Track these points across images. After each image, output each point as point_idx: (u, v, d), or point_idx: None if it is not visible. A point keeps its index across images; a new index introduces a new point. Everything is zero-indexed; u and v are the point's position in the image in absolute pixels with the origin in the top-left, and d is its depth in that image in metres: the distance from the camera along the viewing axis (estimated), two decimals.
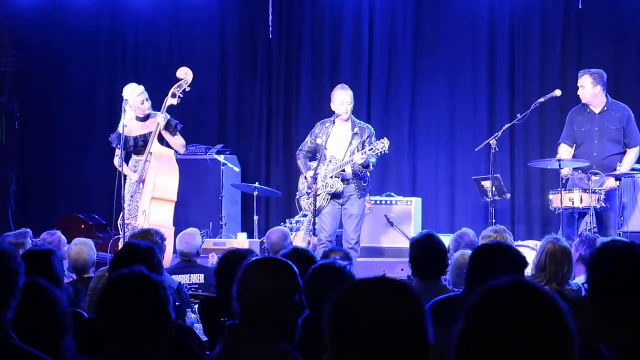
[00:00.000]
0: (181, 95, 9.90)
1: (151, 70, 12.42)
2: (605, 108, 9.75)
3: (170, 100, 9.87)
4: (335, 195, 9.66)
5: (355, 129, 9.69)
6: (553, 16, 11.84)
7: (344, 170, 9.63)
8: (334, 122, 9.69)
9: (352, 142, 9.64)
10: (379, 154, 9.55)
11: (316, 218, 9.59)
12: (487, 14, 12.03)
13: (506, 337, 2.17)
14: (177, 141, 9.92)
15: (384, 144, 9.47)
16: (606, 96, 9.79)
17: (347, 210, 9.72)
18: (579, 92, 9.76)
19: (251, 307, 3.58)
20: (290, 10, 12.69)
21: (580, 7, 11.55)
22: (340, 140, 9.70)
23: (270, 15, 12.55)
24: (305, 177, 9.78)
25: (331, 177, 9.60)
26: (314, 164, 9.80)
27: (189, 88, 9.96)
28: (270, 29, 12.56)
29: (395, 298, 2.34)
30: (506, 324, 2.19)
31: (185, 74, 10.01)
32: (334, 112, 9.70)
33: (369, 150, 9.49)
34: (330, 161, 9.66)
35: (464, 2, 12.05)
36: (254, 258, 3.98)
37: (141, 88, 9.95)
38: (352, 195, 9.72)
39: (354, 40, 12.40)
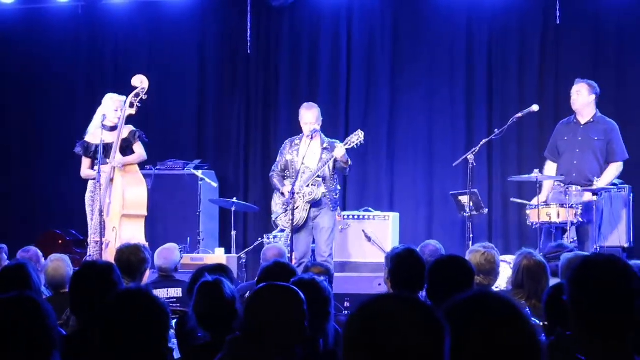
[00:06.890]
0: (139, 105, 9.83)
1: (130, 86, 12.37)
2: (592, 120, 9.83)
3: (128, 111, 9.80)
4: (314, 204, 9.74)
5: (325, 144, 9.92)
6: (531, 32, 11.87)
7: (319, 177, 9.73)
8: (301, 139, 9.98)
9: (322, 156, 9.82)
10: (355, 146, 9.81)
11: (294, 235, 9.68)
12: (465, 29, 12.06)
13: (470, 348, 2.18)
14: (139, 149, 9.86)
15: (359, 135, 9.76)
16: (596, 109, 9.86)
17: (317, 224, 9.88)
18: (572, 99, 9.83)
19: (257, 328, 3.75)
20: (268, 25, 12.69)
21: (559, 22, 11.60)
22: (311, 153, 9.87)
23: (248, 30, 12.55)
24: (282, 193, 9.86)
25: (307, 185, 9.72)
26: (288, 182, 9.91)
27: (146, 96, 9.90)
28: (249, 44, 12.57)
29: (424, 320, 2.16)
30: (468, 335, 2.19)
31: (141, 82, 9.96)
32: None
33: (345, 145, 9.74)
34: (304, 172, 9.75)
35: (441, 18, 12.07)
36: (267, 284, 4.09)
37: (121, 97, 9.93)
38: (322, 208, 9.84)
39: (332, 56, 12.41)
